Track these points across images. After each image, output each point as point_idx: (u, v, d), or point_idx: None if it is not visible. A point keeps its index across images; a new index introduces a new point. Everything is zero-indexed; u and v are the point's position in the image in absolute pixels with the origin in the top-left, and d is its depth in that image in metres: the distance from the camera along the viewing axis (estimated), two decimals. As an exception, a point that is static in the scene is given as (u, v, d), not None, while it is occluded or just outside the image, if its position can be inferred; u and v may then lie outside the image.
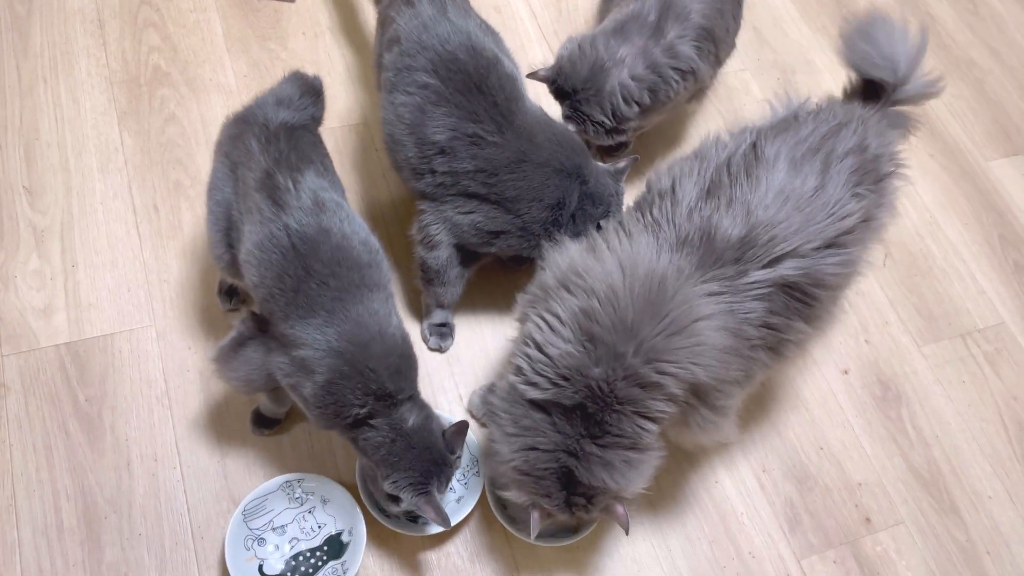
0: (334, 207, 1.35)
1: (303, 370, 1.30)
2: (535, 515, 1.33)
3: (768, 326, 1.31)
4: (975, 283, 1.96)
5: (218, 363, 1.40)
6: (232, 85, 1.97)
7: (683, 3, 1.72)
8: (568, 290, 1.31)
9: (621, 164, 1.68)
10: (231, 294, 1.66)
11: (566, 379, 1.26)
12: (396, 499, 1.35)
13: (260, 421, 1.56)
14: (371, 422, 1.31)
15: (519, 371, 1.31)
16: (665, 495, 1.62)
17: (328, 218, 1.33)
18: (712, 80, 1.92)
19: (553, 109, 1.76)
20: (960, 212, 2.07)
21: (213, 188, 1.45)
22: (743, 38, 2.03)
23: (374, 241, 1.38)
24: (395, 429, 1.32)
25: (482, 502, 1.52)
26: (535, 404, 1.29)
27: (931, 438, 1.75)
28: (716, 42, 1.79)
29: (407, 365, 1.35)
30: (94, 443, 1.53)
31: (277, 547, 1.46)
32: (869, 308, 1.89)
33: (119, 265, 1.72)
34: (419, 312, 1.75)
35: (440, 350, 1.71)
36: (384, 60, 1.60)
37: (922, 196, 2.07)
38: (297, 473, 1.50)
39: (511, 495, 1.35)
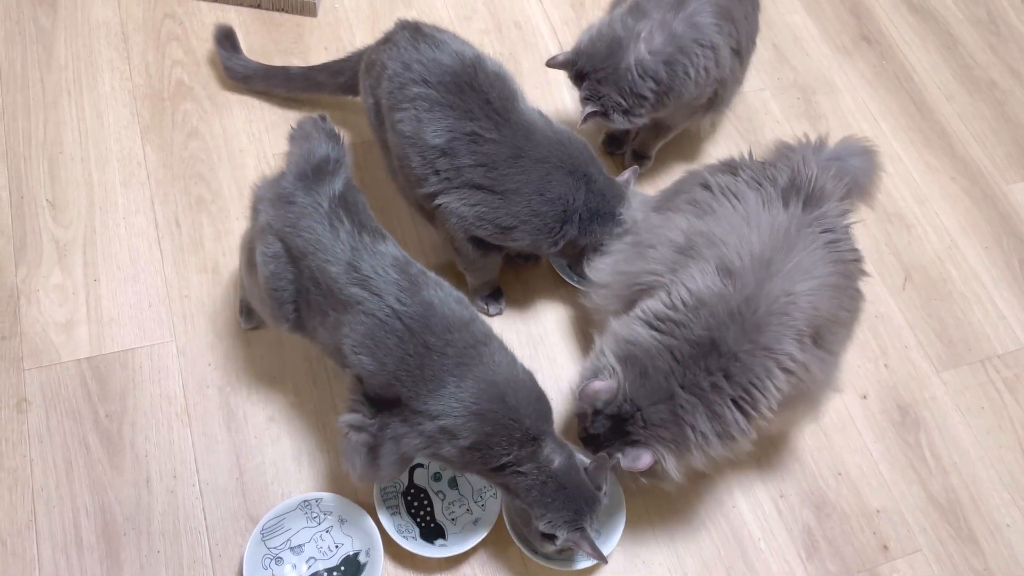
0: (420, 276, 1.36)
1: (444, 436, 1.31)
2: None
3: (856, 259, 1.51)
4: (995, 308, 1.95)
5: (364, 480, 1.40)
6: (254, 101, 1.98)
7: None
8: (693, 252, 1.44)
9: (624, 176, 1.68)
10: (252, 313, 1.66)
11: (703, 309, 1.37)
12: (552, 537, 1.38)
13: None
14: (519, 469, 1.33)
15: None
16: (682, 520, 1.62)
17: (424, 291, 1.34)
18: (735, 86, 1.90)
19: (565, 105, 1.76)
20: (981, 236, 2.06)
21: (268, 259, 1.39)
22: (763, 57, 2.03)
23: (459, 293, 1.40)
24: (543, 471, 1.34)
25: (498, 525, 1.53)
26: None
27: (949, 465, 1.74)
28: (735, 23, 1.76)
29: (543, 406, 1.38)
30: (114, 459, 1.54)
31: (294, 567, 1.47)
32: (888, 332, 1.88)
33: (140, 280, 1.73)
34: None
35: (500, 313, 1.81)
36: (377, 96, 1.64)
37: (942, 219, 2.07)
38: (315, 492, 1.51)
39: None
